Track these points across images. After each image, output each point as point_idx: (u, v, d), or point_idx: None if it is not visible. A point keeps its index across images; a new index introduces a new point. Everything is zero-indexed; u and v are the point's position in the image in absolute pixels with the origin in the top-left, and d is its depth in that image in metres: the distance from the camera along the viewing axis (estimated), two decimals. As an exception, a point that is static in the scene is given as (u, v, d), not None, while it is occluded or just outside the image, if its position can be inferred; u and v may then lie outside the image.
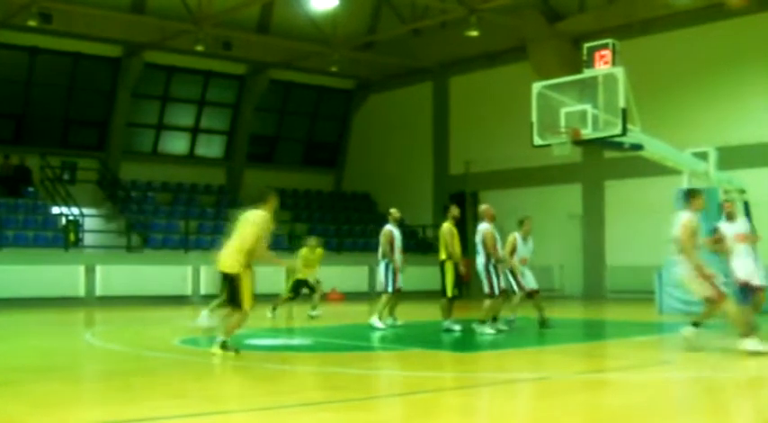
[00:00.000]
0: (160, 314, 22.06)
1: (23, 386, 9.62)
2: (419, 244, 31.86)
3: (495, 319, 15.41)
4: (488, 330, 15.05)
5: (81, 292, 25.80)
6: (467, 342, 14.55)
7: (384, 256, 16.51)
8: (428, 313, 18.46)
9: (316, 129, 37.80)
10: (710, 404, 8.42)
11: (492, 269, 15.36)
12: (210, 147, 35.80)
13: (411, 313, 18.06)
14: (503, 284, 15.50)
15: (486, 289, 15.38)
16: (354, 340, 14.72)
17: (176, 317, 21.22)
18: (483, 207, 15.76)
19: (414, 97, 35.63)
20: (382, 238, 16.62)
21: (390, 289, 16.40)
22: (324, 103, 37.38)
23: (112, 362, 12.32)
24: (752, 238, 14.15)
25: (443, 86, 34.70)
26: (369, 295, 29.97)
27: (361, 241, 32.99)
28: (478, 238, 15.50)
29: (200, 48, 29.44)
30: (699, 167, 20.05)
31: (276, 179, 35.86)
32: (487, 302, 15.29)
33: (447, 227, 15.65)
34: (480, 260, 15.47)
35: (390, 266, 16.42)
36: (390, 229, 16.56)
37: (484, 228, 15.48)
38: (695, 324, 12.11)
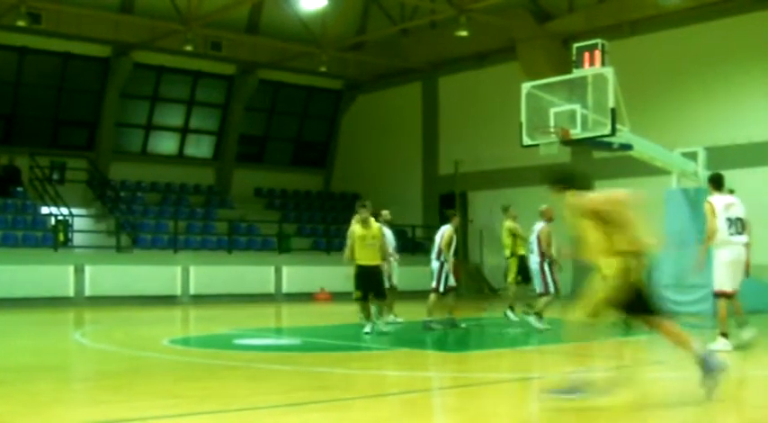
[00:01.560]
0: (149, 314, 22.03)
1: (14, 386, 9.61)
2: (408, 244, 31.90)
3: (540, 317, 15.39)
4: (536, 323, 15.23)
5: (70, 292, 25.73)
6: (455, 341, 14.58)
7: (439, 256, 16.15)
8: (418, 313, 18.47)
9: (305, 129, 37.79)
10: (705, 403, 8.44)
11: (547, 268, 15.46)
12: (200, 147, 35.76)
13: (401, 313, 18.04)
14: (558, 283, 15.52)
15: (541, 288, 15.51)
16: (342, 340, 14.73)
17: (166, 317, 21.22)
18: (543, 207, 15.54)
19: (403, 97, 35.65)
20: (445, 239, 15.98)
21: (441, 288, 16.10)
22: (313, 104, 37.37)
23: (103, 362, 12.31)
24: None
25: (432, 87, 34.72)
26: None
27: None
28: (533, 237, 15.60)
29: (189, 48, 29.40)
30: (688, 167, 20.11)
31: (265, 179, 35.93)
32: (542, 299, 15.43)
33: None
34: (535, 259, 15.64)
35: (445, 266, 16.00)
36: (450, 229, 16.18)
37: (540, 227, 15.55)
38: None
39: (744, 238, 12.19)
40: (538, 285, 15.62)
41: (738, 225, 12.16)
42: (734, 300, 12.30)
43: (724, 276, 12.17)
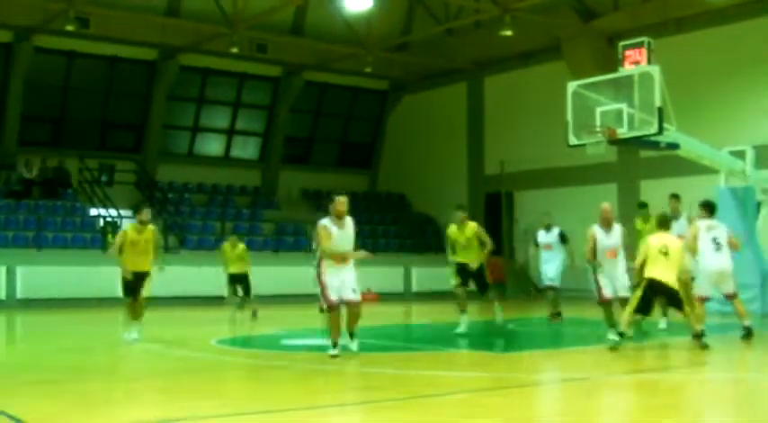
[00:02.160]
0: (197, 315, 22.19)
1: (64, 385, 9.74)
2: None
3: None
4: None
5: (119, 293, 25.93)
6: (503, 342, 14.54)
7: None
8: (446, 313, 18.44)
9: (350, 130, 37.85)
10: (751, 405, 8.37)
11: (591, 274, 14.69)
12: (246, 148, 35.95)
13: (449, 314, 18.02)
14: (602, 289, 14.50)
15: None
16: (390, 341, 14.76)
17: (213, 318, 21.35)
18: (604, 205, 14.81)
19: (448, 97, 35.58)
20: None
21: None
22: (358, 105, 37.42)
23: (151, 362, 12.42)
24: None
25: (478, 86, 34.62)
26: (403, 296, 30.02)
27: (396, 242, 33.02)
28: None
29: (234, 50, 29.59)
30: (736, 166, 19.89)
31: (311, 180, 36.01)
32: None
33: (448, 232, 15.88)
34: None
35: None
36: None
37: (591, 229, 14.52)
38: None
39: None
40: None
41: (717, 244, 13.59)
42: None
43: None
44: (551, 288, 17.67)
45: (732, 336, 14.14)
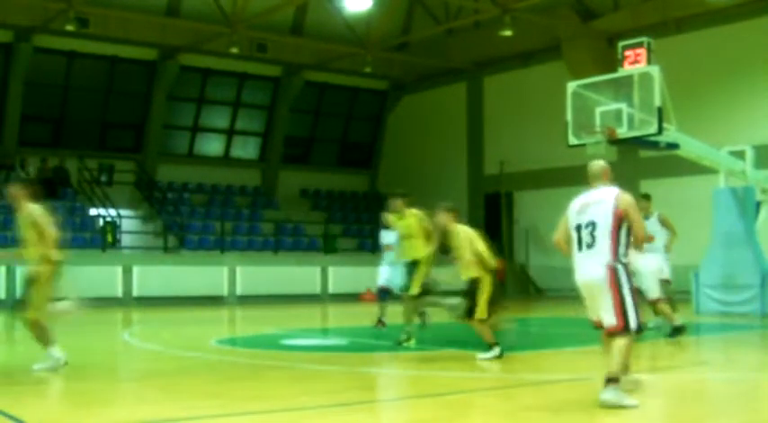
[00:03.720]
0: (197, 315, 22.19)
1: (64, 384, 9.74)
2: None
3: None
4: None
5: (119, 292, 26.03)
6: (501, 343, 14.52)
7: None
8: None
9: (350, 130, 37.87)
10: (750, 405, 8.37)
11: None
12: (246, 148, 35.97)
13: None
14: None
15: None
16: (389, 340, 14.74)
17: (213, 318, 21.36)
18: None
19: (448, 97, 35.61)
20: None
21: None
22: (358, 104, 37.44)
23: (150, 361, 12.43)
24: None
25: (477, 86, 34.65)
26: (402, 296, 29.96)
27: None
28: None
29: (234, 50, 29.63)
30: (736, 166, 19.90)
31: (311, 180, 36.05)
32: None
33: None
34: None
35: None
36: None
37: None
38: None
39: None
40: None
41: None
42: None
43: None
44: None
45: (732, 336, 14.14)
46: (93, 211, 29.51)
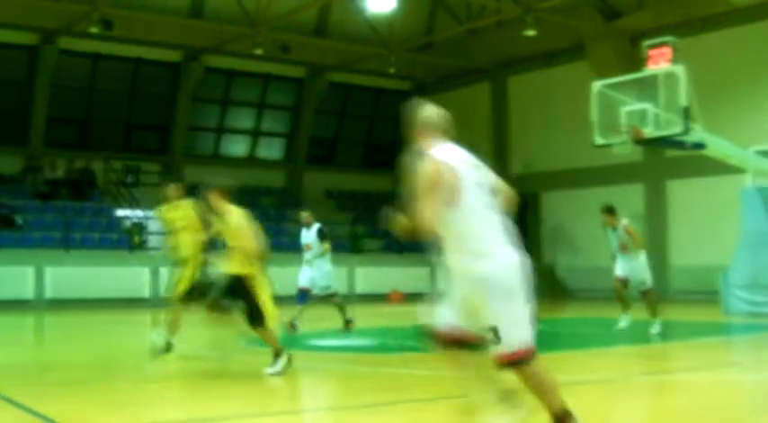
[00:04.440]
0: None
1: (90, 385, 9.80)
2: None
3: None
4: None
5: (146, 293, 26.14)
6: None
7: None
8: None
9: (375, 130, 37.88)
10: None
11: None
12: (271, 149, 36.06)
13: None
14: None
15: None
16: (418, 341, 14.73)
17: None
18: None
19: (472, 98, 35.51)
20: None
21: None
22: (382, 105, 37.44)
23: (178, 362, 12.46)
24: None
25: (501, 86, 34.57)
26: (429, 296, 29.93)
27: (422, 242, 32.95)
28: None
29: (258, 51, 29.73)
30: (764, 165, 19.76)
31: (336, 181, 36.08)
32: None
33: None
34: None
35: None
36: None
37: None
38: None
39: None
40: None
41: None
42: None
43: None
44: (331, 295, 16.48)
45: (762, 336, 14.05)
46: (119, 213, 29.68)
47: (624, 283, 15.15)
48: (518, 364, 5.74)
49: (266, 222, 31.21)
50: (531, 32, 27.70)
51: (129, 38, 29.93)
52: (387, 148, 38.34)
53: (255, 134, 35.43)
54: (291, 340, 15.16)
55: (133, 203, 29.68)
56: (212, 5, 31.05)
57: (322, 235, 16.32)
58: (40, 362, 12.74)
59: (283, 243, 30.33)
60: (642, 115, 17.24)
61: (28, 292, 25.22)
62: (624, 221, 15.11)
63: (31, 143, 30.52)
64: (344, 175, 36.46)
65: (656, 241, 29.08)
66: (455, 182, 5.82)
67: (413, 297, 28.28)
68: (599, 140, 18.10)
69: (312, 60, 33.64)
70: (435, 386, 9.52)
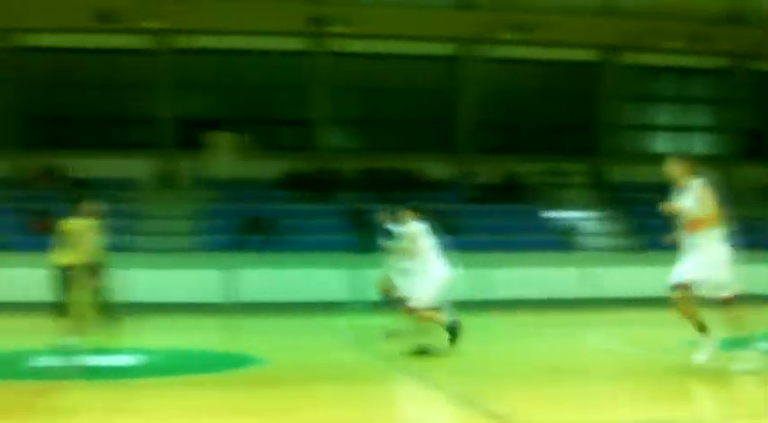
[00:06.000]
0: (658, 316, 21.82)
1: (538, 385, 10.46)
2: None
3: None
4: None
5: (578, 293, 26.35)
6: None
7: None
8: None
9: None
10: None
11: None
12: (696, 144, 35.07)
13: None
14: None
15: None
16: None
17: (667, 319, 21.03)
18: None
19: None
20: None
21: None
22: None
23: (619, 363, 12.75)
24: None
25: None
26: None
27: None
28: None
29: (674, 44, 29.47)
30: None
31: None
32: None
33: None
34: None
35: None
36: None
37: None
38: None
39: None
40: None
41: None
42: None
43: None
44: None
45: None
46: (548, 214, 30.64)
47: None
48: None
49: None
50: None
51: (546, 41, 30.80)
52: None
53: (680, 130, 34.88)
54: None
55: (561, 205, 30.45)
56: (624, 2, 31.07)
57: None
58: (495, 361, 13.18)
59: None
60: None
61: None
62: None
63: (460, 150, 32.44)
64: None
65: None
66: None
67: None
68: None
69: (730, 49, 32.55)
70: None
